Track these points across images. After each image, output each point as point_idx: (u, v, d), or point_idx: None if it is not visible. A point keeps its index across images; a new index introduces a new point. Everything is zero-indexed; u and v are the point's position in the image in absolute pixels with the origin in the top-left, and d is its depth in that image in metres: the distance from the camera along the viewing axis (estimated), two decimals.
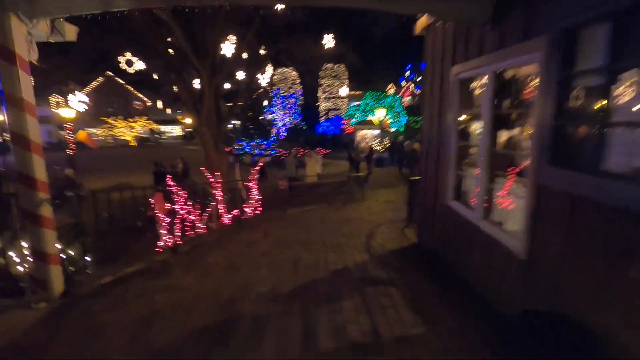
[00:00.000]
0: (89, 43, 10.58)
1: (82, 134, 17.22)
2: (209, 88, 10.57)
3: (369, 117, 31.23)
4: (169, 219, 6.54)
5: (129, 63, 14.01)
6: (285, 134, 36.19)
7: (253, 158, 25.05)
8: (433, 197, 4.46)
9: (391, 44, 38.62)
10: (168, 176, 8.48)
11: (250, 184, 8.90)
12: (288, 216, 8.53)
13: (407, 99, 45.42)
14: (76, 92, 9.95)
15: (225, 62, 11.62)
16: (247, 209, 8.56)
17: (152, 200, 6.59)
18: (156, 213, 6.52)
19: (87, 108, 10.17)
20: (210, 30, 10.54)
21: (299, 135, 33.64)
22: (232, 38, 12.35)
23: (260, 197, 8.92)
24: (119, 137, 38.54)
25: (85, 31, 10.95)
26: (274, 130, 33.96)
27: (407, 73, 48.81)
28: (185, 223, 7.26)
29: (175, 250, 5.10)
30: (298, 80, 40.23)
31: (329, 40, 14.24)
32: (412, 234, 5.74)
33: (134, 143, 38.17)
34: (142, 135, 39.87)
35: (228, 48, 12.12)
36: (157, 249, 5.84)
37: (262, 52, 15.13)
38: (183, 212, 7.28)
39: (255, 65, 16.67)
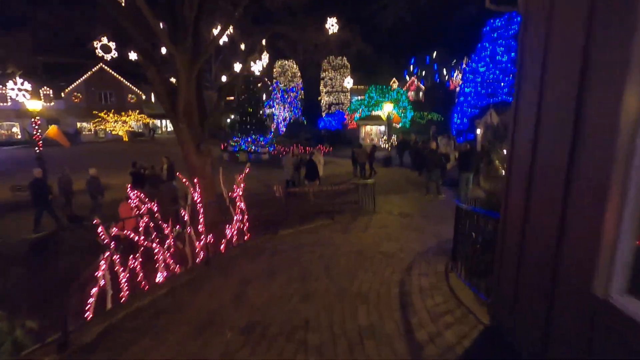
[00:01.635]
0: (39, 17, 8.58)
1: (52, 130, 15.24)
2: (187, 75, 8.54)
3: (375, 112, 29.16)
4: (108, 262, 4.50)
5: (107, 49, 12.02)
6: (284, 129, 34.11)
7: (250, 156, 22.92)
8: (547, 265, 2.22)
9: (395, 37, 36.54)
10: (129, 185, 6.51)
11: (237, 194, 6.92)
12: (279, 242, 6.56)
13: (412, 94, 43.24)
14: (18, 78, 7.91)
15: (210, 45, 9.60)
16: (228, 232, 6.59)
17: (96, 221, 4.42)
18: (105, 239, 4.47)
19: (28, 97, 8.17)
20: (190, 5, 8.49)
21: (300, 131, 31.55)
22: (218, 18, 10.42)
23: (246, 219, 6.95)
24: (110, 132, 36.46)
25: (35, 3, 8.99)
26: (273, 125, 31.82)
27: (412, 67, 46.64)
28: (141, 258, 5.25)
29: (65, 347, 2.87)
30: (299, 74, 38.18)
31: (333, 25, 12.37)
32: (465, 292, 3.76)
33: (126, 138, 36.13)
34: (134, 130, 37.77)
35: (212, 28, 10.16)
36: (85, 316, 3.80)
37: (257, 38, 13.26)
38: (141, 241, 5.29)
39: (249, 52, 14.74)
